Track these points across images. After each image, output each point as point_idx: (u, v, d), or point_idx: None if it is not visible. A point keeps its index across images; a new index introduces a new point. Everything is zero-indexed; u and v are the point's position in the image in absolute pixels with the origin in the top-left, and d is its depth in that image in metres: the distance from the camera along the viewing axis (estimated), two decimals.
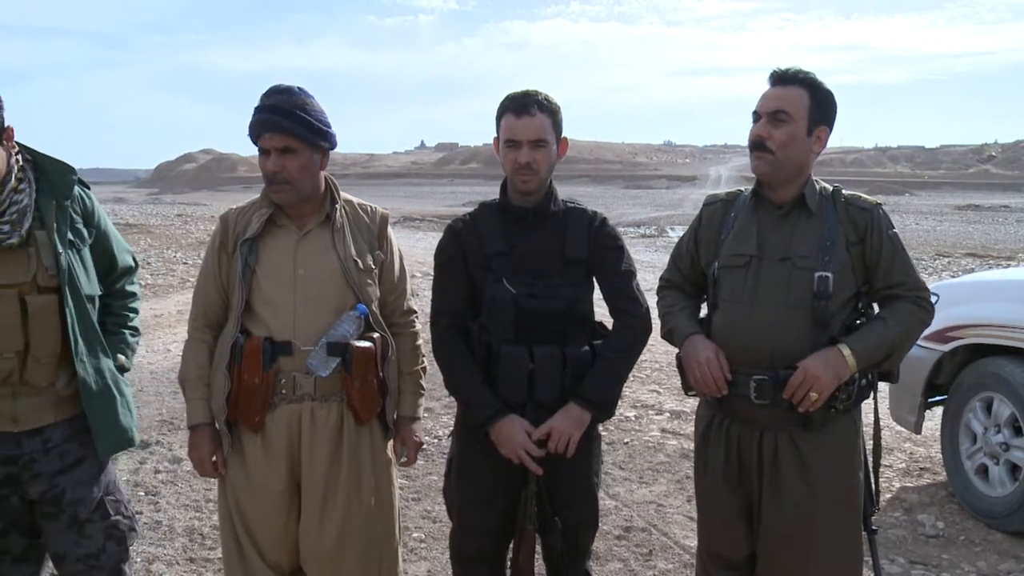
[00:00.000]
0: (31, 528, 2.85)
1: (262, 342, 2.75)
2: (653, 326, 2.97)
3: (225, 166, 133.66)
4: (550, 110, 2.85)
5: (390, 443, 3.03)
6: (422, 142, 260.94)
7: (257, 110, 2.78)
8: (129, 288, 3.04)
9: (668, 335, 2.98)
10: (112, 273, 2.96)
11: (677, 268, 3.07)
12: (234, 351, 2.78)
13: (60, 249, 2.69)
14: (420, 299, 12.07)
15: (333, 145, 2.86)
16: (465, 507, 3.03)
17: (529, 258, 2.87)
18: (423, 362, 3.09)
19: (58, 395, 2.76)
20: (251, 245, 2.82)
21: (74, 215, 2.78)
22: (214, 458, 2.89)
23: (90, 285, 2.81)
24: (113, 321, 2.95)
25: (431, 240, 23.25)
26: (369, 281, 2.89)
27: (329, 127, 2.82)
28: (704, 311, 2.97)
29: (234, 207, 2.98)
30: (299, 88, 2.80)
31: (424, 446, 5.84)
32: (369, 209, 3.01)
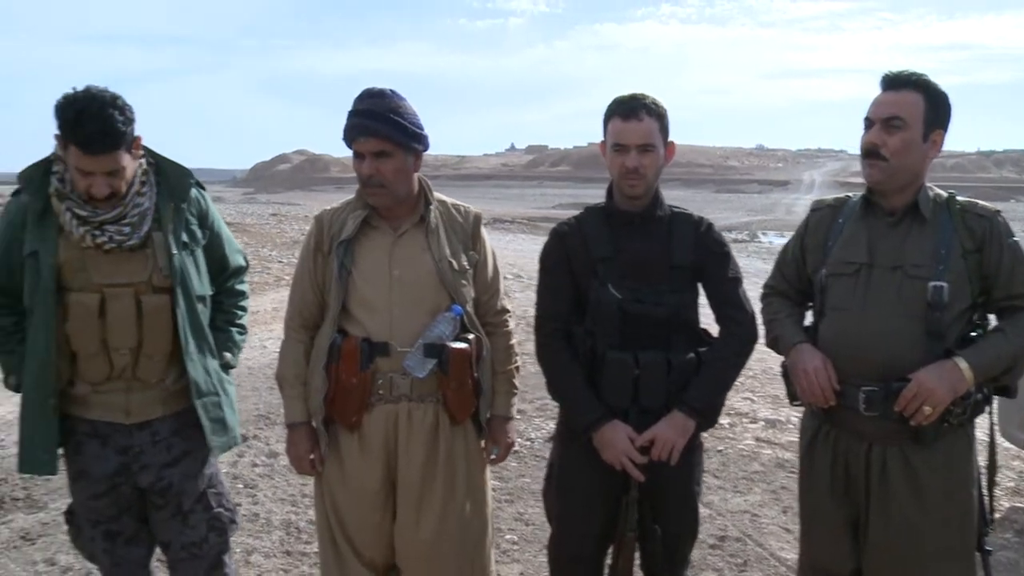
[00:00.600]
0: (141, 514, 2.99)
1: (360, 343, 2.78)
2: (759, 334, 2.92)
3: (318, 167, 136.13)
4: (658, 114, 2.81)
5: (482, 442, 3.04)
6: (512, 144, 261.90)
7: (351, 114, 2.80)
8: (239, 287, 3.13)
9: (773, 343, 2.91)
10: (224, 272, 3.06)
11: (782, 274, 3.00)
12: (331, 351, 2.81)
13: (175, 251, 2.80)
14: (512, 300, 12.10)
15: (426, 147, 2.87)
16: (565, 511, 3.01)
17: (635, 263, 2.84)
18: (516, 361, 3.09)
19: (167, 390, 2.87)
20: (347, 247, 2.84)
21: (190, 217, 2.90)
22: (311, 456, 2.93)
23: (201, 286, 2.92)
24: (222, 318, 3.05)
25: (521, 242, 23.30)
26: (464, 281, 2.90)
27: (422, 129, 2.83)
28: (809, 319, 2.90)
29: (328, 208, 3.02)
30: (392, 91, 2.82)
31: (516, 448, 5.89)
32: (462, 209, 3.01)
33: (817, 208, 2.95)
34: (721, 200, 72.27)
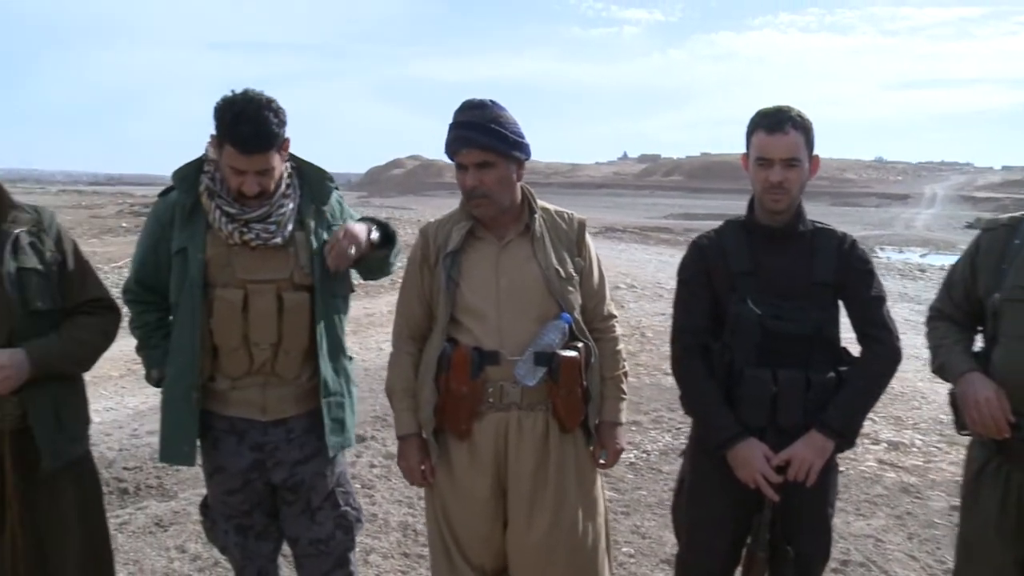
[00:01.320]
0: (272, 509, 3.08)
1: (470, 351, 2.78)
2: (901, 354, 2.83)
3: (431, 172, 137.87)
4: (803, 127, 2.75)
5: (591, 448, 3.00)
6: (624, 153, 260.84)
7: (452, 127, 2.81)
8: None
9: (939, 370, 2.80)
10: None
11: (949, 297, 2.88)
12: (441, 360, 2.82)
13: (316, 250, 2.86)
14: (626, 310, 12.10)
15: (528, 155, 2.86)
16: (695, 528, 2.97)
17: (775, 279, 2.78)
18: (624, 366, 3.06)
19: (301, 388, 2.95)
20: (453, 258, 2.85)
21: (330, 218, 2.97)
22: (422, 467, 2.95)
23: (342, 285, 2.98)
24: None
25: (633, 251, 23.16)
26: (570, 288, 2.88)
27: (523, 138, 2.82)
28: (979, 344, 2.78)
29: (432, 221, 3.04)
30: (491, 101, 2.82)
31: (632, 460, 5.86)
32: (566, 216, 3.00)
33: (990, 228, 2.82)
34: (837, 213, 70.36)
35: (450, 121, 2.83)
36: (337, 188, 3.11)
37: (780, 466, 2.72)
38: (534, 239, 2.88)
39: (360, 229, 2.91)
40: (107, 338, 2.81)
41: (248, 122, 2.69)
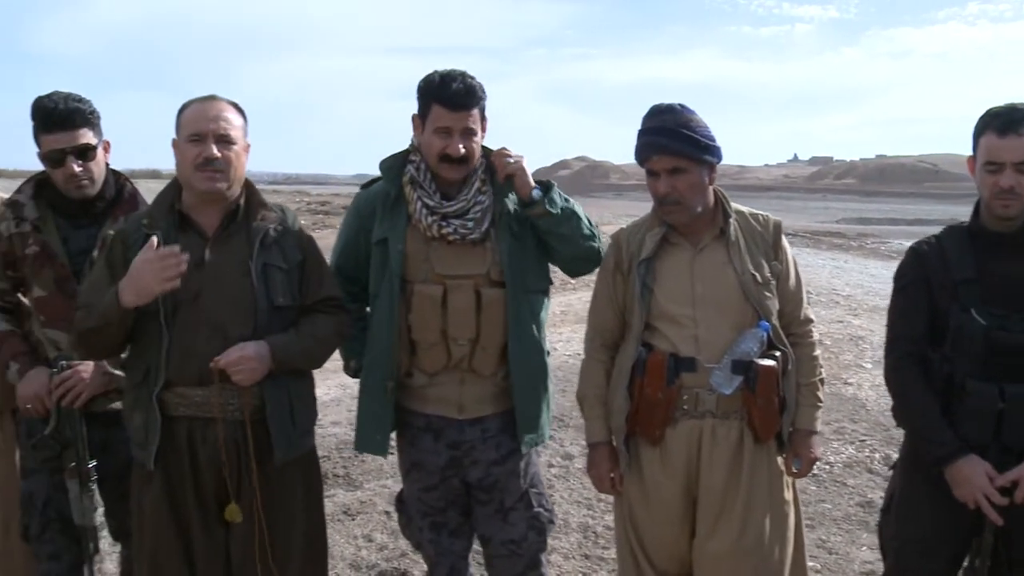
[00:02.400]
0: (465, 508, 3.12)
1: (666, 357, 2.76)
2: None
3: (598, 173, 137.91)
4: None
5: (781, 457, 2.92)
6: (795, 155, 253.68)
7: (642, 133, 2.79)
8: None
9: None
10: None
11: None
12: (636, 366, 2.80)
13: (507, 245, 2.93)
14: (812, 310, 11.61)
15: (719, 159, 2.80)
16: (904, 547, 2.83)
17: (1003, 288, 2.63)
18: (821, 373, 2.97)
19: (498, 386, 2.99)
20: (647, 265, 2.83)
21: (523, 213, 3.00)
22: (612, 475, 2.94)
23: (537, 277, 3.04)
24: None
25: (805, 256, 22.41)
26: (768, 294, 2.81)
27: (714, 141, 2.77)
28: None
29: (624, 227, 3.01)
30: (681, 105, 2.78)
31: (815, 472, 5.66)
32: (761, 218, 2.93)
33: None
34: None
35: (639, 127, 2.82)
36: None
37: (1006, 487, 2.57)
38: (729, 244, 2.83)
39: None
40: (341, 337, 2.92)
41: (456, 79, 2.85)
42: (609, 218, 31.55)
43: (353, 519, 4.85)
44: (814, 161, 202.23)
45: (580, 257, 3.06)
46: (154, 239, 2.58)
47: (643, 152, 2.78)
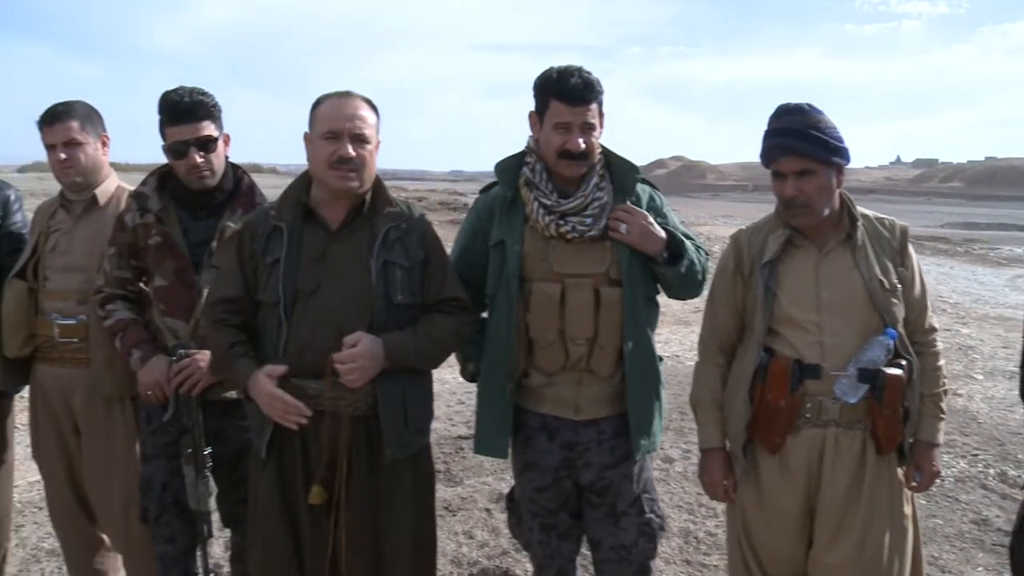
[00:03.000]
0: (576, 510, 3.09)
1: (790, 363, 2.69)
2: None
3: (695, 173, 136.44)
4: None
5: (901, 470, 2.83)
6: (898, 157, 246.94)
7: (769, 133, 2.72)
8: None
9: None
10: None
11: None
12: (757, 372, 2.74)
13: (626, 245, 2.89)
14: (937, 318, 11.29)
15: (847, 161, 2.72)
16: None
17: None
18: (945, 384, 2.86)
19: (614, 388, 2.94)
20: (771, 268, 2.77)
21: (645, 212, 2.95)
22: (726, 482, 2.89)
23: (650, 285, 2.98)
24: None
25: None
26: (894, 300, 2.72)
27: (842, 142, 2.69)
28: None
29: (744, 228, 2.96)
30: (809, 105, 2.71)
31: None
32: (887, 222, 2.84)
33: None
34: None
35: (766, 128, 2.76)
36: (652, 185, 3.11)
37: None
38: (855, 248, 2.75)
39: (655, 228, 2.89)
40: (459, 339, 2.89)
41: (573, 74, 2.83)
42: (705, 219, 31.23)
43: (454, 515, 4.88)
44: (918, 163, 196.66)
45: (683, 296, 3.07)
46: (303, 408, 2.63)
47: (770, 153, 2.72)
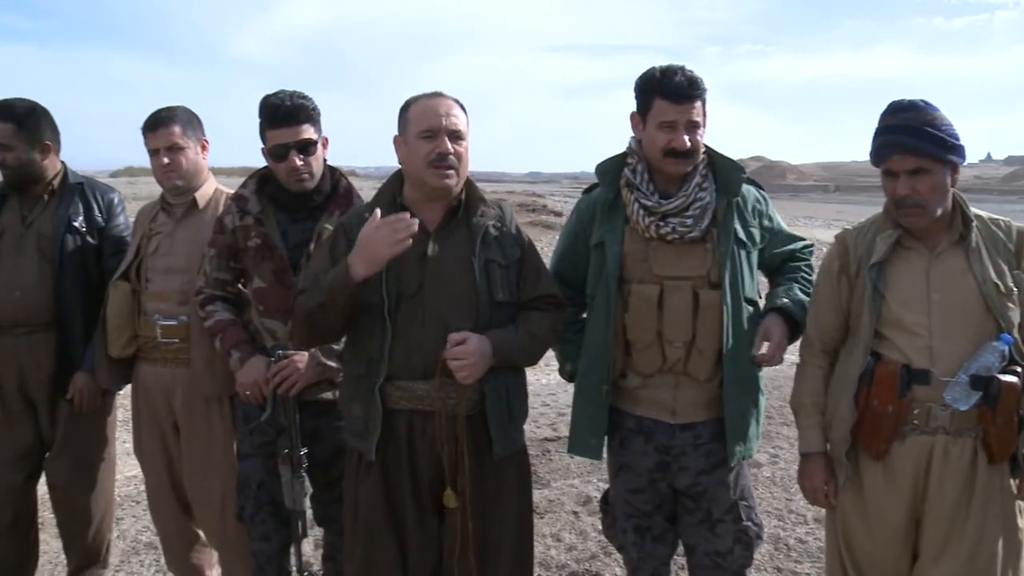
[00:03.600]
0: (671, 514, 3.06)
1: (899, 368, 2.61)
2: None
3: (775, 173, 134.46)
4: None
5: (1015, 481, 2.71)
6: (988, 154, 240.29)
7: (881, 131, 2.64)
8: (802, 255, 3.15)
9: None
10: (786, 262, 3.11)
11: None
12: (863, 376, 2.67)
13: (728, 247, 2.86)
14: None
15: (963, 159, 2.62)
16: None
17: None
18: None
19: (712, 392, 2.91)
20: (879, 269, 2.69)
21: (748, 216, 2.95)
22: (826, 487, 2.82)
23: (751, 288, 2.94)
24: (787, 277, 3.09)
25: None
26: (1010, 304, 2.61)
27: (958, 140, 2.58)
28: None
29: (849, 227, 2.89)
30: (923, 102, 2.62)
31: None
32: (1002, 223, 2.73)
33: None
34: None
35: (877, 125, 2.67)
36: (759, 185, 3.07)
37: None
38: (969, 250, 2.65)
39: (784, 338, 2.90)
40: (555, 336, 2.90)
41: (677, 72, 2.81)
42: (786, 220, 30.70)
43: (541, 518, 4.85)
44: (1010, 160, 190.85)
45: None
46: (377, 212, 2.61)
47: (882, 151, 2.64)
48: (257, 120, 3.16)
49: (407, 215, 2.58)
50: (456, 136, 2.70)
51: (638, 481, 3.00)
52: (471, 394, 2.68)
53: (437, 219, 2.78)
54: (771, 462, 5.84)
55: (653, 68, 2.86)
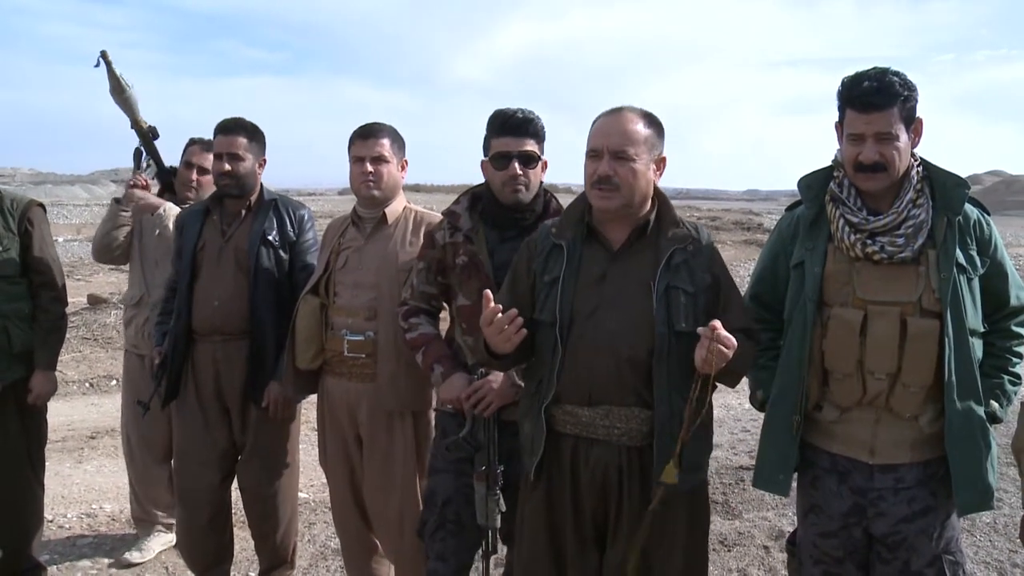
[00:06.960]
0: (864, 561, 2.78)
1: None
2: None
3: (1014, 189, 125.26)
4: None
5: None
6: None
7: None
8: (1017, 329, 2.75)
9: None
10: (999, 311, 2.73)
11: None
12: None
13: (949, 271, 2.56)
14: None
15: None
16: None
17: None
18: None
19: (919, 432, 2.64)
20: None
21: (968, 239, 2.64)
22: None
23: (975, 318, 2.63)
24: (991, 364, 2.71)
25: None
26: None
27: None
28: None
29: None
30: None
31: None
32: None
33: None
34: None
35: None
36: (982, 207, 2.73)
37: None
38: None
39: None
40: (746, 368, 2.75)
41: (867, 78, 2.58)
42: None
43: (729, 551, 4.63)
44: None
45: None
46: (487, 293, 2.54)
47: None
48: (480, 135, 3.20)
49: (514, 312, 2.51)
50: (620, 157, 2.59)
51: (829, 525, 2.75)
52: (639, 425, 2.56)
53: (622, 239, 2.68)
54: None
55: (848, 76, 2.63)
